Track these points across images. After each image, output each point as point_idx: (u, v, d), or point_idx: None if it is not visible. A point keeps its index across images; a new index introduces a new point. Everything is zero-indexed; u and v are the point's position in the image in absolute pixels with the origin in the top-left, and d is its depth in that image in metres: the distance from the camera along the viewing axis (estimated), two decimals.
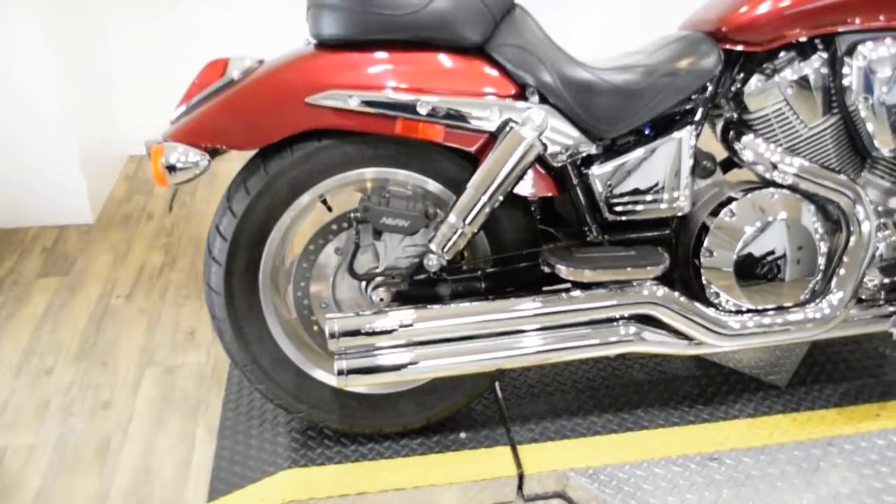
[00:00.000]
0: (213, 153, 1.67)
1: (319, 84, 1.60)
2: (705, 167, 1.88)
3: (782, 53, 1.80)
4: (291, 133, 1.64)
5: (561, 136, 1.69)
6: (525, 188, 1.72)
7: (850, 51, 1.75)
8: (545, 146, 1.68)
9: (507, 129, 1.65)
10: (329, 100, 1.60)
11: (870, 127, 1.77)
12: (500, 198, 1.68)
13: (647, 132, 1.80)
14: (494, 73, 1.67)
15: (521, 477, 1.85)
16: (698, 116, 1.80)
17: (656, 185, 1.78)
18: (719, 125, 1.89)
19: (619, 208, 1.78)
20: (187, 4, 3.78)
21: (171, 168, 1.60)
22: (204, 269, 1.78)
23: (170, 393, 2.21)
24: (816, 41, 1.79)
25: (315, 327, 1.85)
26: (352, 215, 1.75)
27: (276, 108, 1.62)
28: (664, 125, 1.79)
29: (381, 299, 1.76)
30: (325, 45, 1.65)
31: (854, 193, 1.82)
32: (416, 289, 1.76)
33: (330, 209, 1.87)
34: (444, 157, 1.73)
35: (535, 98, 1.68)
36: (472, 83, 1.66)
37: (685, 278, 1.88)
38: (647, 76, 1.71)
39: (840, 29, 1.75)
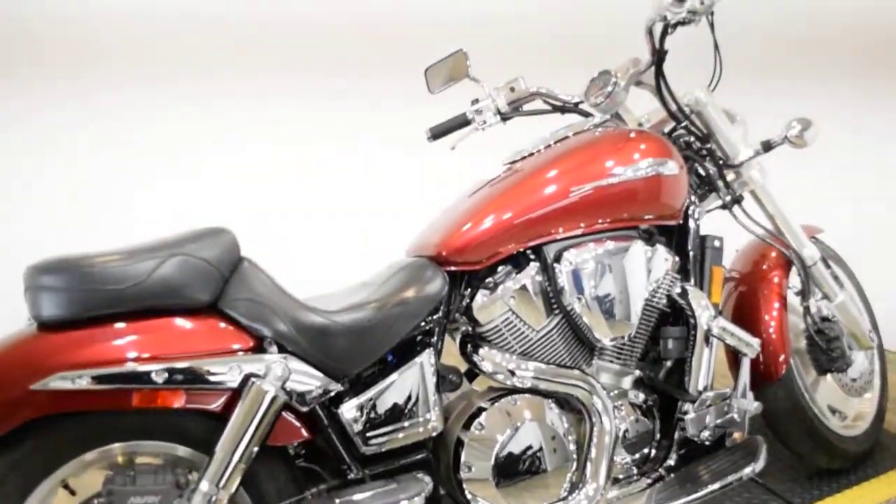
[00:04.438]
0: None
1: (44, 368, 1.53)
2: (452, 381, 1.96)
3: (500, 268, 1.95)
4: (19, 424, 1.55)
5: (304, 381, 1.71)
6: (277, 438, 1.71)
7: (558, 258, 1.93)
8: (290, 394, 1.69)
9: (249, 384, 1.64)
10: (56, 382, 1.52)
11: (588, 322, 1.94)
12: (253, 453, 1.65)
13: (389, 359, 1.86)
14: (230, 328, 1.68)
15: None
16: (435, 337, 1.89)
17: (406, 411, 1.83)
18: (457, 339, 2.00)
19: (374, 441, 1.80)
20: None
21: None
22: None
23: None
24: (528, 252, 1.96)
25: None
26: (96, 501, 1.65)
27: None
28: (405, 350, 1.86)
29: None
30: (48, 325, 1.60)
31: (588, 385, 1.96)
32: None
33: (73, 493, 1.74)
34: (189, 420, 1.69)
35: (274, 348, 1.70)
36: (207, 342, 1.65)
37: (452, 494, 1.91)
38: (378, 310, 1.79)
39: (546, 239, 1.94)
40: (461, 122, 2.32)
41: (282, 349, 1.70)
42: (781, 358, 2.31)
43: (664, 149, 2.06)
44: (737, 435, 2.12)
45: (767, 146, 2.27)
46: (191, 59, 3.99)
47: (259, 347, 1.69)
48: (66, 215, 3.82)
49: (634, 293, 1.99)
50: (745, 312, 2.37)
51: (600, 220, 1.98)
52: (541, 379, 1.93)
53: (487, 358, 1.92)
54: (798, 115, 2.26)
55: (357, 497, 1.73)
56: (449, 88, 2.33)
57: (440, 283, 1.88)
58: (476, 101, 2.31)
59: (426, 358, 1.85)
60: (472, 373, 2.06)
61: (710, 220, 2.31)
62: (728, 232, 2.29)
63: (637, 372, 2.12)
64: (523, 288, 1.93)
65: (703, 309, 2.10)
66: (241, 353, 1.67)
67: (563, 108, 2.30)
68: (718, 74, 2.29)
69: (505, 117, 2.30)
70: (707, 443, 2.09)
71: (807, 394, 2.39)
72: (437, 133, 2.35)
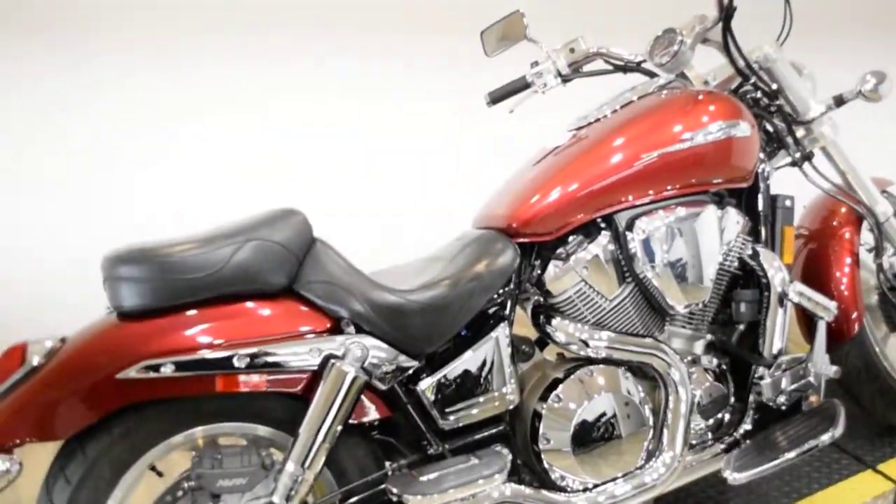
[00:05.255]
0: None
1: (129, 358, 1.55)
2: (525, 352, 1.96)
3: (571, 238, 1.92)
4: (107, 413, 1.58)
5: (383, 360, 1.71)
6: (357, 416, 1.72)
7: (630, 226, 1.90)
8: (369, 374, 1.70)
9: (329, 365, 1.65)
10: (141, 371, 1.55)
11: (661, 289, 1.92)
12: (337, 433, 1.67)
13: (463, 333, 1.86)
14: (306, 310, 1.69)
15: None
16: (508, 310, 1.88)
17: (484, 385, 1.83)
18: (529, 309, 1.99)
19: (453, 416, 1.81)
20: None
21: None
22: None
23: None
24: (599, 221, 1.93)
25: None
26: (185, 484, 1.68)
27: (87, 390, 1.55)
28: (479, 323, 1.86)
29: None
30: (129, 314, 1.61)
31: (662, 353, 1.94)
32: None
33: (160, 474, 1.78)
34: (271, 401, 1.71)
35: (351, 329, 1.70)
36: (285, 325, 1.66)
37: (528, 464, 1.92)
38: (453, 287, 1.78)
39: (617, 208, 1.91)
40: (521, 86, 2.27)
41: (359, 329, 1.71)
42: (854, 316, 2.27)
43: (735, 110, 2.01)
44: (813, 399, 2.10)
45: (840, 101, 2.20)
46: (190, 25, 3.89)
47: (336, 328, 1.70)
48: (60, 196, 3.80)
49: (707, 258, 1.96)
50: (815, 270, 2.33)
51: (670, 187, 1.94)
52: (614, 348, 1.91)
53: (560, 329, 1.91)
54: (872, 68, 2.18)
55: (440, 473, 1.74)
56: (506, 51, 2.29)
57: (512, 256, 1.86)
58: (535, 63, 2.25)
59: (501, 331, 1.85)
60: (543, 341, 2.06)
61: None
62: (789, 188, 2.24)
63: (709, 336, 2.10)
64: (595, 258, 1.90)
65: (776, 270, 2.06)
66: (318, 335, 1.67)
67: (625, 68, 2.24)
68: (788, 27, 2.21)
69: (566, 79, 2.24)
70: (783, 407, 2.08)
71: (879, 351, 2.36)
72: (497, 97, 2.30)
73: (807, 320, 2.22)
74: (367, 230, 3.98)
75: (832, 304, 2.13)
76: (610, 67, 2.26)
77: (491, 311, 1.88)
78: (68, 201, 3.80)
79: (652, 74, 2.20)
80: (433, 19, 4.04)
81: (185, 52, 3.89)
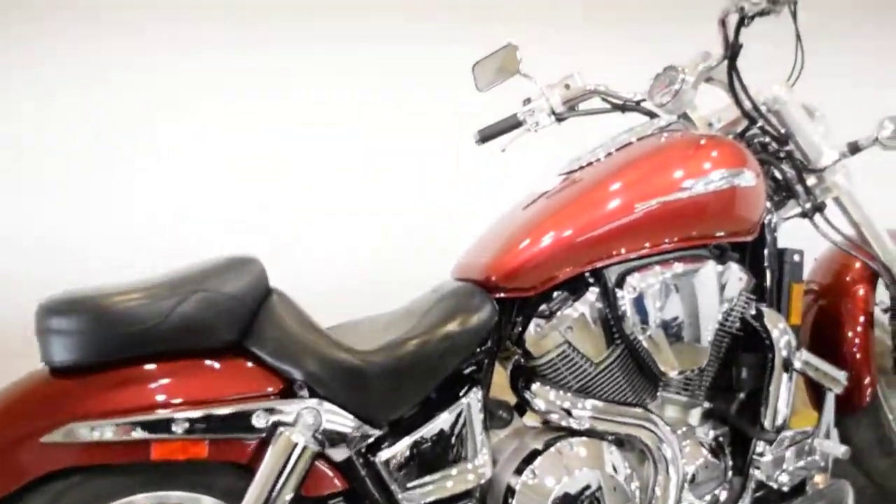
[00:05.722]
0: None
1: (55, 419, 1.39)
2: (501, 417, 1.79)
3: (556, 294, 1.76)
4: (29, 480, 1.42)
5: (339, 428, 1.54)
6: (308, 489, 1.55)
7: (620, 282, 1.73)
8: (322, 443, 1.53)
9: (277, 433, 1.49)
10: (69, 435, 1.39)
11: (653, 353, 1.75)
12: None
13: (432, 396, 1.69)
14: (257, 369, 1.53)
15: None
16: (483, 372, 1.72)
17: (452, 457, 1.66)
18: (509, 369, 1.82)
19: (416, 492, 1.64)
20: None
21: None
22: None
23: None
24: (587, 276, 1.77)
25: None
26: None
27: (8, 454, 1.39)
28: (450, 385, 1.69)
29: None
30: (59, 371, 1.46)
31: (653, 425, 1.77)
32: None
33: None
34: (216, 467, 1.54)
35: (305, 392, 1.54)
36: (232, 386, 1.50)
37: None
38: (421, 347, 1.61)
39: (607, 262, 1.75)
40: (513, 124, 2.12)
41: (313, 393, 1.54)
42: (867, 381, 2.09)
43: (739, 156, 1.84)
44: (818, 479, 1.91)
45: (855, 148, 2.03)
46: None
47: (289, 391, 1.54)
48: (60, 195, 3.77)
49: (705, 319, 1.78)
50: (825, 330, 2.15)
51: (667, 240, 1.77)
52: (600, 419, 1.74)
53: (540, 395, 1.74)
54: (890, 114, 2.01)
55: None
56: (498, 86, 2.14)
57: (489, 312, 1.70)
58: (528, 100, 2.10)
59: (473, 396, 1.68)
60: (522, 406, 1.88)
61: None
62: (798, 241, 2.07)
63: (706, 404, 1.92)
64: (581, 316, 1.73)
65: (781, 333, 1.89)
66: (268, 398, 1.52)
67: (623, 107, 2.08)
68: (799, 68, 2.05)
69: (560, 118, 2.09)
70: (785, 488, 1.89)
71: (893, 420, 2.18)
72: (487, 136, 2.16)
73: (814, 385, 2.04)
74: (367, 230, 3.94)
75: (842, 375, 1.95)
76: (607, 106, 2.10)
77: (465, 371, 1.71)
78: (68, 201, 3.77)
79: (652, 115, 2.04)
80: (435, 20, 3.99)
81: (185, 51, 3.90)
